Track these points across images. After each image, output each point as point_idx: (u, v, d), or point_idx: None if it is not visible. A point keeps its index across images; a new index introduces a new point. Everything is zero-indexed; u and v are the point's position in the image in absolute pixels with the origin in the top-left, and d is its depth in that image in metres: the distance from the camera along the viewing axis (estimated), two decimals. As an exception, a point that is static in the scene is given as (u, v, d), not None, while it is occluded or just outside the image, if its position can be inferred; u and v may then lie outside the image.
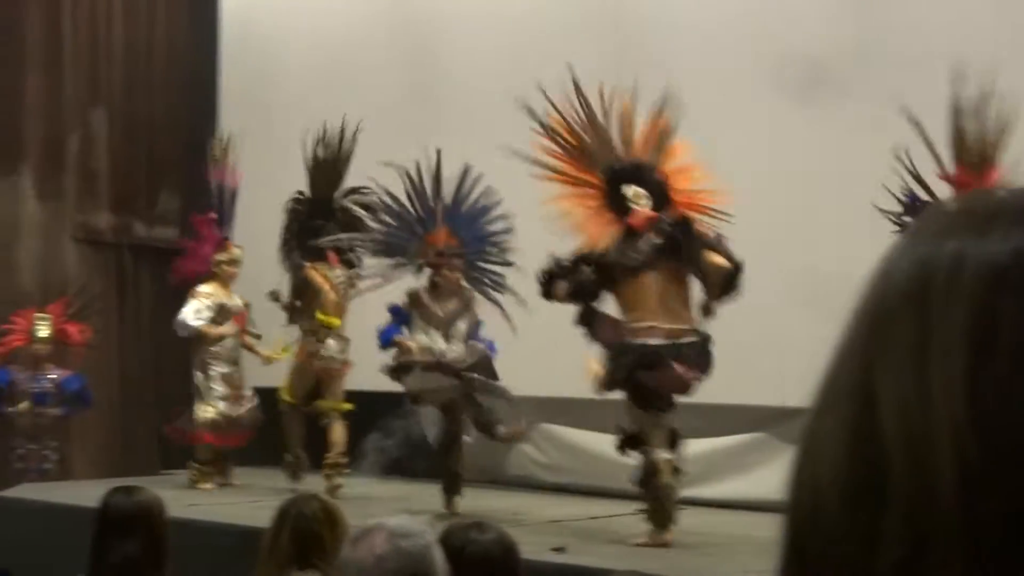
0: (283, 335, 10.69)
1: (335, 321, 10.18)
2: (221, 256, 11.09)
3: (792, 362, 8.98)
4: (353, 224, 10.02)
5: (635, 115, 8.02)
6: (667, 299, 7.77)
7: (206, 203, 12.31)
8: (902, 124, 7.52)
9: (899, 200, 7.74)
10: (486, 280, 9.40)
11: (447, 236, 9.17)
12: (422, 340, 8.94)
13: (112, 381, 12.96)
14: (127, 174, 13.20)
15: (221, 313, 11.05)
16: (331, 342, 10.16)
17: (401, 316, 9.09)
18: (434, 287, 9.09)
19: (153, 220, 13.41)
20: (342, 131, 10.41)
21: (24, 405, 11.39)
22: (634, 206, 7.86)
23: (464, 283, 9.13)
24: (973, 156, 7.53)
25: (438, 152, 9.18)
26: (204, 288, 11.06)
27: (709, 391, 8.17)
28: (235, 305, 11.13)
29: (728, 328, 8.45)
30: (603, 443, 9.22)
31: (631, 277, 7.77)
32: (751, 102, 9.39)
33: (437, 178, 9.21)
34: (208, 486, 10.86)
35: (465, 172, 9.13)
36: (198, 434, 11.05)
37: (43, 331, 11.55)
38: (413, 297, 9.05)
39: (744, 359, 9.13)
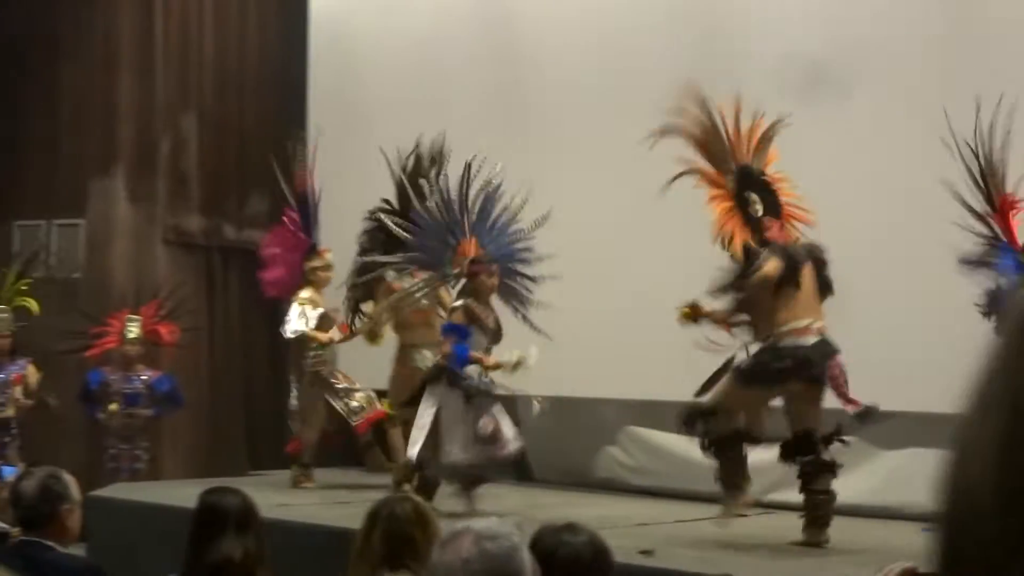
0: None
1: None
2: (315, 262, 11.10)
3: (886, 365, 8.92)
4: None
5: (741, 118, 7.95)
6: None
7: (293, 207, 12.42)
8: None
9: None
10: (516, 293, 9.43)
11: (476, 246, 9.21)
12: (504, 356, 9.00)
13: (201, 382, 13.06)
14: (217, 177, 13.31)
15: (323, 317, 11.12)
16: (427, 352, 10.13)
17: (462, 332, 9.09)
18: (477, 296, 9.12)
19: (243, 222, 13.50)
20: (434, 147, 10.26)
21: (113, 407, 11.52)
22: (758, 214, 7.83)
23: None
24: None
25: (467, 164, 9.19)
26: (303, 294, 11.10)
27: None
28: (332, 310, 11.22)
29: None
30: (690, 446, 9.18)
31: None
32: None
33: (463, 189, 9.24)
34: (310, 484, 10.97)
35: (489, 184, 9.13)
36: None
37: (133, 332, 11.67)
38: (468, 311, 9.06)
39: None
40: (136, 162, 12.72)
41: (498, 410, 9.17)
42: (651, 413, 10.43)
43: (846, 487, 9.26)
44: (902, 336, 8.84)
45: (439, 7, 11.98)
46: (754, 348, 7.82)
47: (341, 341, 11.04)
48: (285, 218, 11.64)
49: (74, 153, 12.91)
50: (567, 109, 10.87)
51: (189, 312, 12.27)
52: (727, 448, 7.80)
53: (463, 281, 9.19)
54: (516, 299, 9.38)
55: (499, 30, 11.55)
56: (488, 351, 9.05)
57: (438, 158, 10.13)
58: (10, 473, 5.68)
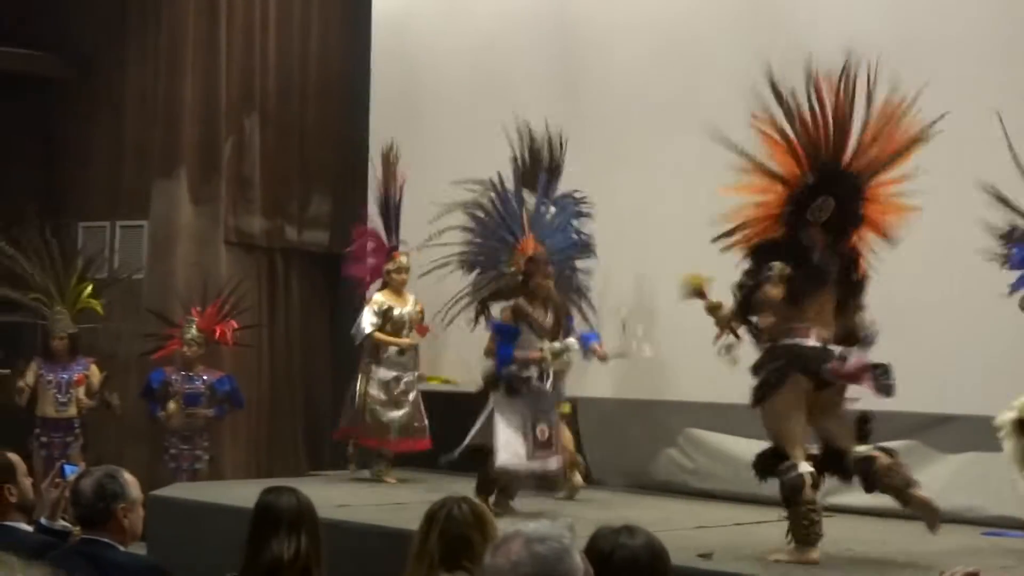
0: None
1: None
2: (389, 265, 11.29)
3: (947, 369, 8.87)
4: None
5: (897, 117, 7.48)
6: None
7: (357, 208, 12.47)
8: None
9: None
10: (572, 287, 9.43)
11: (535, 244, 9.20)
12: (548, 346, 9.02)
13: (262, 383, 13.13)
14: (279, 179, 13.37)
15: (390, 320, 11.21)
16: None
17: (510, 333, 9.10)
18: (531, 296, 9.12)
19: (304, 224, 13.56)
20: (550, 138, 10.19)
21: (173, 406, 11.60)
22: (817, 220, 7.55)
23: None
24: None
25: (519, 162, 9.20)
26: (377, 296, 11.27)
27: (861, 397, 8.06)
28: (408, 312, 11.28)
29: (881, 334, 8.34)
30: (750, 449, 9.14)
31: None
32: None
33: (519, 187, 9.24)
34: (392, 480, 11.14)
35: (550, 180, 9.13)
36: (356, 433, 11.26)
37: (191, 331, 11.74)
38: (518, 310, 9.06)
39: (897, 365, 9.00)
40: (199, 164, 12.80)
41: (556, 418, 9.20)
42: (711, 415, 10.40)
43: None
44: (962, 340, 8.78)
45: (501, 10, 11.98)
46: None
47: (409, 346, 11.15)
48: (356, 220, 11.82)
49: (138, 155, 13.02)
50: (629, 115, 10.85)
51: (246, 310, 12.35)
52: (797, 496, 7.31)
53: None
54: (574, 291, 9.40)
55: (560, 33, 11.54)
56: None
57: (557, 157, 10.07)
58: (71, 472, 5.69)
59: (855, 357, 7.40)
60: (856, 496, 8.82)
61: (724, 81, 10.11)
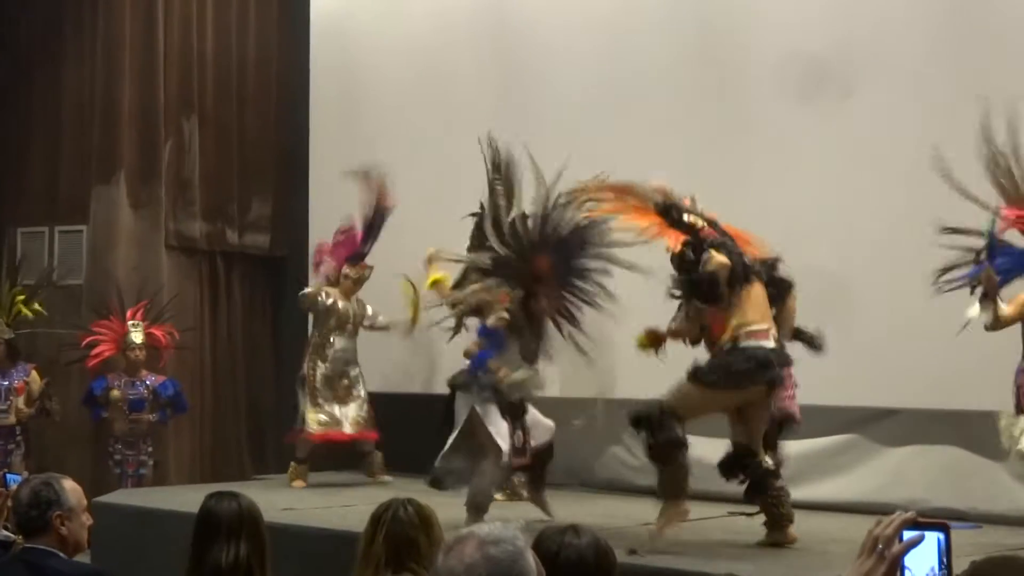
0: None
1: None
2: (351, 271, 11.27)
3: (888, 363, 8.94)
4: None
5: None
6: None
7: (295, 210, 12.44)
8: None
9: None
10: (564, 311, 9.39)
11: (548, 264, 9.09)
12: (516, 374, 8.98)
13: (205, 387, 13.08)
14: (219, 182, 13.31)
15: (335, 314, 11.22)
16: None
17: (497, 340, 9.03)
18: (530, 315, 9.03)
19: (245, 227, 13.50)
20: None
21: (116, 392, 11.52)
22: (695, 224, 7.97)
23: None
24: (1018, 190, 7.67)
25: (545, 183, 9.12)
26: (327, 288, 11.30)
27: (803, 392, 8.12)
28: (352, 309, 11.28)
29: (824, 329, 8.41)
30: (695, 445, 9.18)
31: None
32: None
33: (545, 205, 9.08)
34: (300, 484, 11.08)
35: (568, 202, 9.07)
36: (302, 433, 11.22)
37: (138, 336, 11.69)
38: (514, 324, 8.98)
39: (840, 360, 9.07)
40: (138, 168, 12.72)
41: (530, 419, 9.17)
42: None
43: (849, 485, 9.30)
44: (904, 334, 8.85)
45: (439, 9, 11.97)
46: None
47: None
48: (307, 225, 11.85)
49: (76, 159, 12.92)
50: (569, 111, 10.86)
51: (178, 314, 12.30)
52: (675, 455, 7.74)
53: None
54: (566, 318, 9.27)
55: (499, 33, 11.54)
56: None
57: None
58: (14, 481, 5.64)
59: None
60: (805, 490, 8.91)
61: (664, 79, 10.17)
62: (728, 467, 7.92)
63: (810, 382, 8.22)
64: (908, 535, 2.49)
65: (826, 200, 9.23)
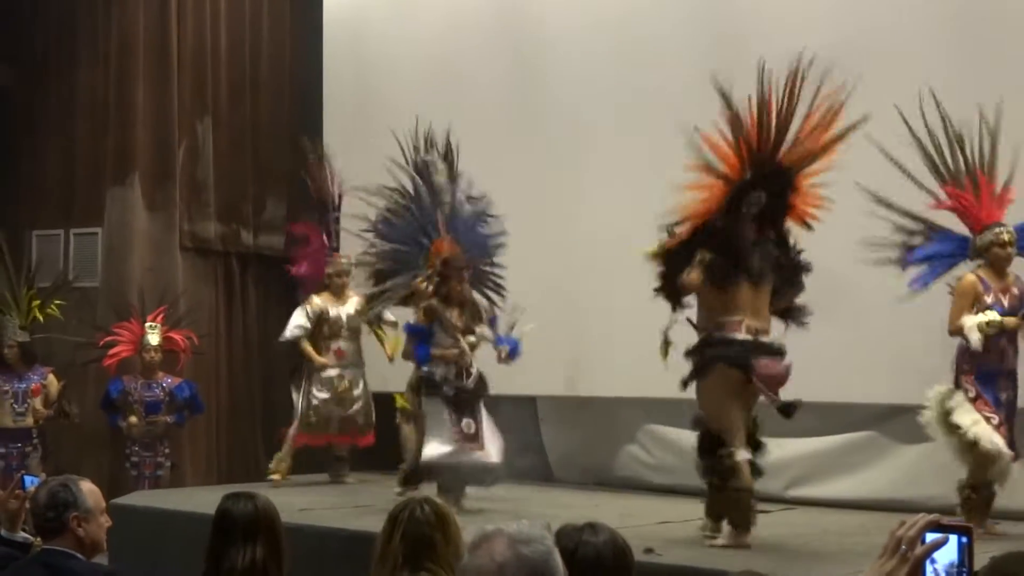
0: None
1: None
2: (328, 268, 11.27)
3: (905, 360, 8.91)
4: None
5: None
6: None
7: (311, 210, 12.44)
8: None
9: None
10: (487, 283, 9.50)
11: (451, 244, 9.22)
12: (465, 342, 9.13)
13: (221, 388, 13.09)
14: (233, 182, 13.32)
15: (327, 322, 11.20)
16: None
17: (422, 333, 9.19)
18: (445, 297, 9.18)
19: (260, 228, 13.52)
20: (448, 144, 10.16)
21: (133, 419, 11.54)
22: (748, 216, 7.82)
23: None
24: (956, 175, 7.92)
25: (425, 163, 9.25)
26: (314, 298, 11.28)
27: (819, 389, 8.11)
28: (346, 313, 11.25)
29: (838, 326, 8.40)
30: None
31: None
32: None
33: (433, 186, 9.28)
34: (276, 477, 11.12)
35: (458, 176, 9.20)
36: (291, 434, 11.25)
37: (154, 339, 11.71)
38: (430, 311, 9.13)
39: (855, 357, 9.06)
40: (152, 169, 12.74)
41: (484, 415, 9.26)
42: (670, 411, 10.43)
43: (866, 482, 9.29)
44: (920, 331, 8.83)
45: (453, 8, 11.98)
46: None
47: (322, 364, 11.11)
48: (305, 224, 11.82)
49: (91, 162, 12.94)
50: (581, 109, 10.86)
51: (198, 319, 12.33)
52: (728, 480, 7.69)
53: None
54: (489, 287, 9.48)
55: (512, 31, 11.54)
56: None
57: (450, 155, 10.05)
58: (31, 483, 5.65)
59: (783, 364, 7.64)
60: (821, 487, 8.91)
61: (676, 80, 10.16)
62: (700, 449, 7.94)
63: (826, 379, 8.23)
64: (931, 537, 2.49)
65: (838, 196, 9.19)
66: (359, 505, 9.61)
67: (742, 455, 7.65)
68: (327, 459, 11.64)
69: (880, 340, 9.01)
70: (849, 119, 7.64)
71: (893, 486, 9.08)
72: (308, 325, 11.22)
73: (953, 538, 2.49)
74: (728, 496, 7.64)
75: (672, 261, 7.99)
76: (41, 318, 11.92)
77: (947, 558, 2.49)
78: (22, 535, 5.57)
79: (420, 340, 9.25)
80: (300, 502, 9.48)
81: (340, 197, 11.53)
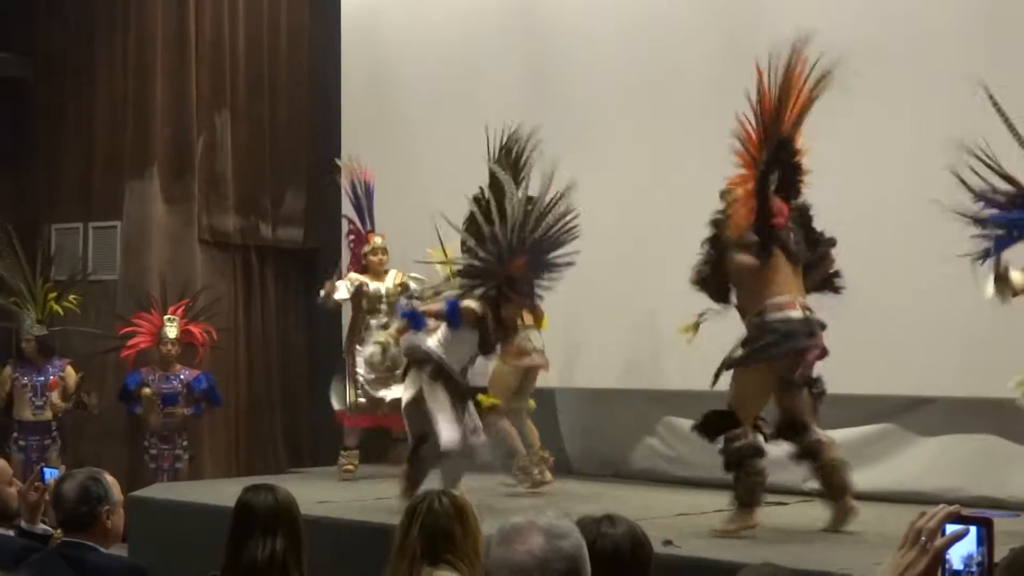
0: None
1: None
2: (364, 248, 11.24)
3: (924, 351, 8.90)
4: None
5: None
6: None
7: (331, 203, 12.45)
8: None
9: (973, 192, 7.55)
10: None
11: (522, 265, 9.02)
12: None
13: (239, 380, 13.12)
14: (252, 176, 13.34)
15: (366, 296, 11.15)
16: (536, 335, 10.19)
17: (453, 318, 8.94)
18: (497, 318, 8.97)
19: (278, 221, 13.53)
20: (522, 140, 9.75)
21: (146, 391, 11.52)
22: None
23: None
24: None
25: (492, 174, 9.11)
26: (352, 274, 11.24)
27: (837, 381, 8.09)
28: (386, 288, 11.17)
29: (858, 318, 8.38)
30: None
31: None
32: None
33: (527, 206, 9.05)
34: (349, 468, 11.04)
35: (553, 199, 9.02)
36: (341, 415, 11.19)
37: (172, 331, 11.73)
38: (483, 319, 8.88)
39: (874, 349, 9.04)
40: (171, 163, 12.77)
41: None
42: (689, 403, 10.40)
43: (884, 474, 9.27)
44: (939, 322, 8.81)
45: (469, 5, 11.94)
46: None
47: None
48: (340, 218, 11.84)
49: (109, 156, 12.97)
50: (597, 102, 10.84)
51: (217, 313, 12.35)
52: (746, 462, 7.70)
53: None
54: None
55: (531, 26, 11.52)
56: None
57: (524, 162, 9.82)
58: (51, 475, 5.67)
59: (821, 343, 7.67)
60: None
61: (696, 72, 10.14)
62: (706, 426, 7.91)
63: (845, 371, 8.19)
64: (951, 528, 2.49)
65: (859, 187, 9.18)
66: (379, 498, 9.61)
67: (753, 438, 7.71)
68: (382, 446, 11.54)
69: (900, 332, 8.99)
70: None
71: (912, 478, 9.05)
72: (347, 294, 11.20)
73: (973, 530, 2.48)
74: (738, 478, 7.71)
75: (715, 257, 7.96)
76: (61, 311, 11.95)
77: (965, 550, 2.49)
78: (42, 527, 5.60)
79: (447, 319, 8.97)
80: (320, 494, 9.49)
81: (368, 182, 11.42)
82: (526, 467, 10.04)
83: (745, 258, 7.73)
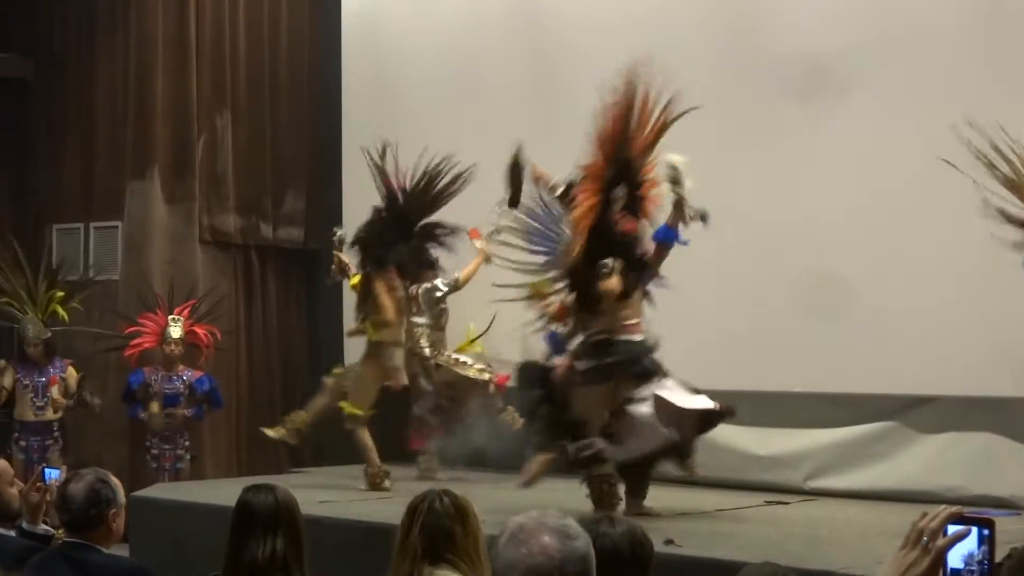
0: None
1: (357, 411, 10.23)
2: None
3: (926, 350, 8.90)
4: (421, 251, 10.43)
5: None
6: None
7: (329, 203, 12.44)
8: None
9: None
10: None
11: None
12: None
13: (240, 381, 13.12)
14: (252, 176, 13.34)
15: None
16: (399, 353, 10.26)
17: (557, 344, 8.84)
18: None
19: (279, 221, 13.54)
20: (456, 171, 10.26)
21: (155, 407, 11.57)
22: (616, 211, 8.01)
23: None
24: None
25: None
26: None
27: (840, 380, 8.10)
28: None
29: (859, 317, 8.38)
30: (731, 435, 9.18)
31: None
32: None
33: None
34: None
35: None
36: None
37: (176, 332, 11.73)
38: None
39: (875, 348, 9.04)
40: (172, 163, 12.77)
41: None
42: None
43: (886, 473, 9.27)
44: (941, 322, 8.81)
45: (471, 5, 11.94)
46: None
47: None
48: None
49: (110, 156, 12.97)
50: (601, 102, 10.83)
51: (222, 316, 12.36)
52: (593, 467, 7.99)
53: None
54: None
55: (531, 28, 11.52)
56: None
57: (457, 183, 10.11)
58: (52, 476, 5.67)
59: None
60: (843, 478, 8.88)
61: (695, 77, 10.12)
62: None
63: (846, 370, 8.20)
64: (953, 529, 2.49)
65: (859, 187, 9.19)
66: (381, 497, 9.61)
67: (599, 444, 7.97)
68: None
69: (901, 331, 8.99)
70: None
71: (914, 477, 9.05)
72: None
73: (974, 530, 2.48)
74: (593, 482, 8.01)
75: (580, 271, 8.10)
76: (64, 314, 11.93)
77: (965, 549, 2.49)
78: (43, 527, 5.59)
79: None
80: (320, 494, 9.49)
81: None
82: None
83: (614, 284, 7.96)
